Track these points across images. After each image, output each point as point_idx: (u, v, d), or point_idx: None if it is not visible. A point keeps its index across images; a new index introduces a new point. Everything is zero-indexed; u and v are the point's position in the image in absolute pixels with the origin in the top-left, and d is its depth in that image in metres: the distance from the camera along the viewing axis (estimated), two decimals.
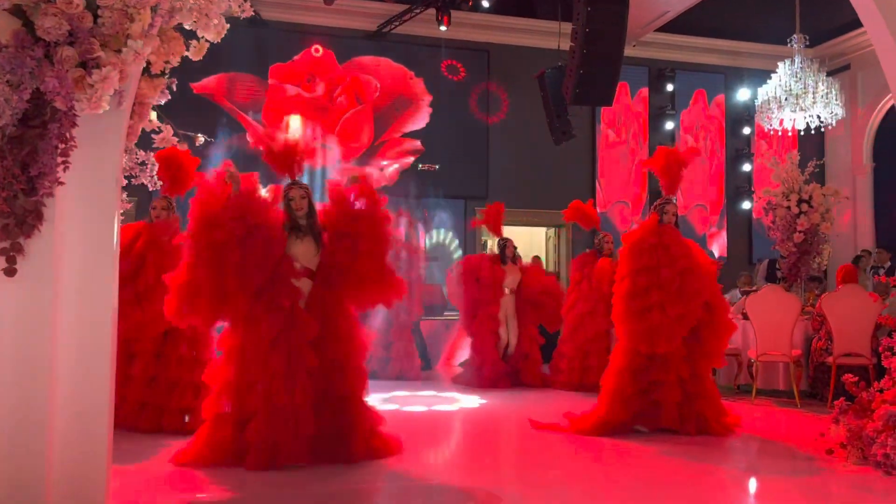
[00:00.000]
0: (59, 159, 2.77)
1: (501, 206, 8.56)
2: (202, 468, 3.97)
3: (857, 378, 4.50)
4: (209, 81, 11.34)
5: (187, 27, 3.27)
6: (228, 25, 3.44)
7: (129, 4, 2.81)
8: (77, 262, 2.96)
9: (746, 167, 13.89)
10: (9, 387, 2.78)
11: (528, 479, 4.05)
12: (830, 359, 6.11)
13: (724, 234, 13.86)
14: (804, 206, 7.20)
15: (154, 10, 2.94)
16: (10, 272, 2.74)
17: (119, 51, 2.84)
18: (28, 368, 2.82)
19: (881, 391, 4.29)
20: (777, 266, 8.05)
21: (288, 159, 4.43)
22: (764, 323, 6.27)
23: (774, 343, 6.26)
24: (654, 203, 5.33)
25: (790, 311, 6.22)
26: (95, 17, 2.80)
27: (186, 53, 3.45)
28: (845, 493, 3.94)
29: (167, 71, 3.42)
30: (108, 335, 3.03)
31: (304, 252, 4.29)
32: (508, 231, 8.77)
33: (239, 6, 3.20)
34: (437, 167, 12.48)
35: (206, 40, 3.45)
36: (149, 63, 3.23)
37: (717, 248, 13.71)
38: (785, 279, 7.50)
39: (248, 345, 4.11)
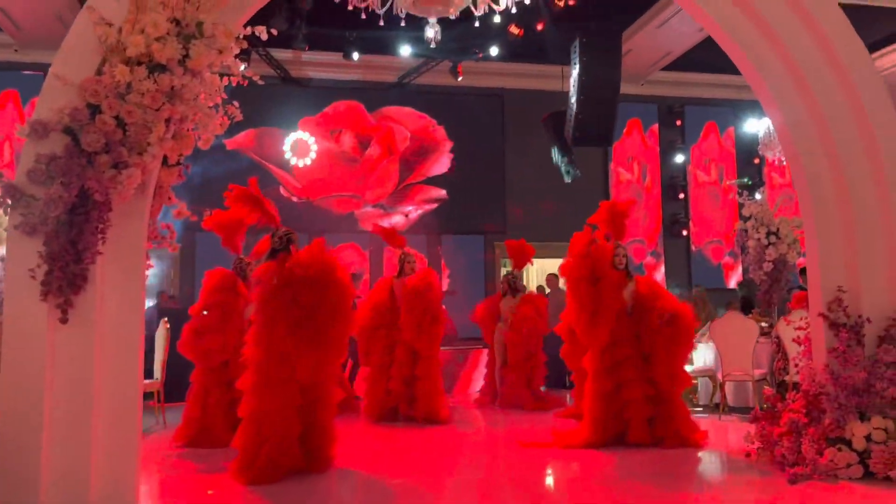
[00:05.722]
0: (99, 236, 3.78)
1: (524, 242, 9.39)
2: None
3: (773, 391, 5.18)
4: (240, 137, 12.46)
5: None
6: (230, 123, 4.43)
7: (148, 120, 3.81)
8: (113, 311, 3.95)
9: (758, 197, 14.41)
10: (65, 402, 3.77)
11: None
12: (787, 377, 6.73)
13: (739, 266, 14.32)
14: (772, 238, 7.85)
15: (167, 121, 3.93)
16: (64, 320, 3.74)
17: (141, 153, 3.84)
18: (78, 391, 3.81)
19: (793, 401, 4.95)
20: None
21: None
22: (727, 346, 6.93)
23: (737, 364, 6.91)
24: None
25: (749, 334, 6.88)
26: (124, 130, 3.80)
27: (197, 145, 4.43)
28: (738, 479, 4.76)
29: (181, 160, 4.41)
30: (136, 367, 3.99)
31: None
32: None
33: (231, 117, 4.18)
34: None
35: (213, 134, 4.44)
36: (166, 156, 4.23)
37: (735, 278, 14.21)
38: (759, 305, 8.14)
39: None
